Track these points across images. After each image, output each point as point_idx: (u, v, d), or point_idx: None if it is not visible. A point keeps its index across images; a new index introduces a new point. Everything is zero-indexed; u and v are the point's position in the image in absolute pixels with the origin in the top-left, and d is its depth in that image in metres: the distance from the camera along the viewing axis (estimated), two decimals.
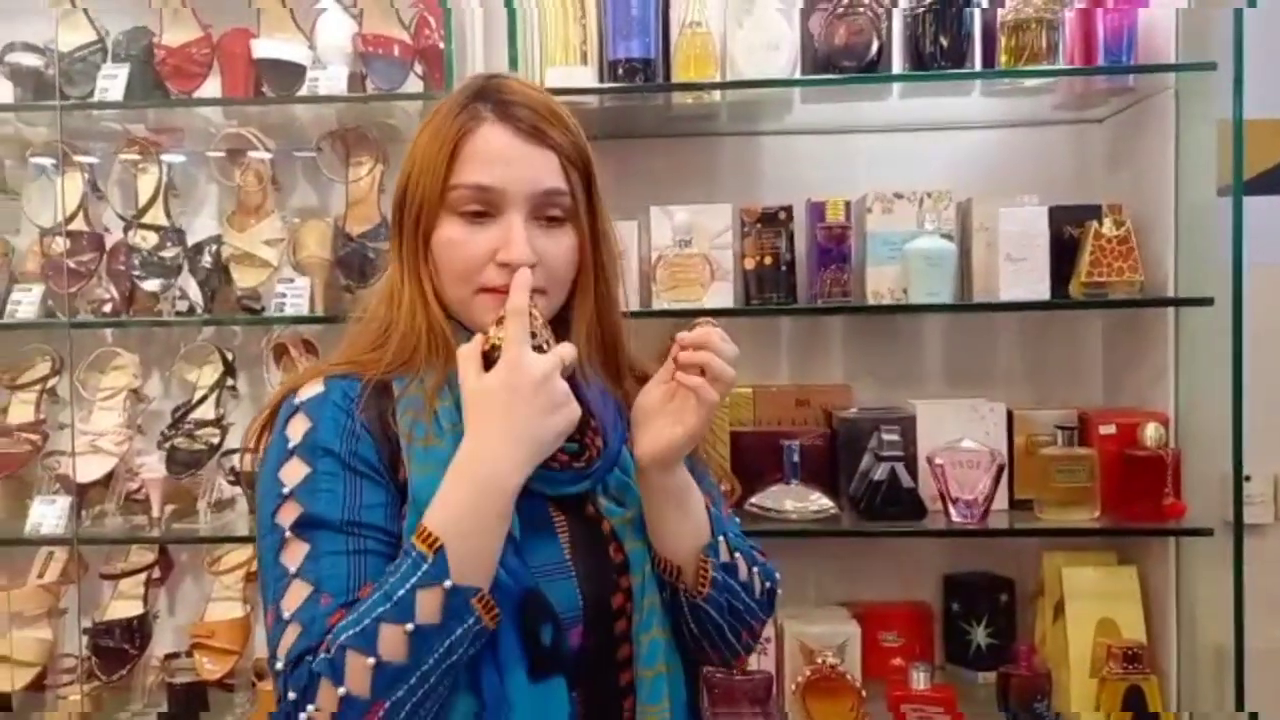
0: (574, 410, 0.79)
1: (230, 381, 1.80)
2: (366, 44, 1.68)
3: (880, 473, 1.62)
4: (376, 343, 0.87)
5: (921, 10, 1.58)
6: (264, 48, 1.69)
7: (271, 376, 1.79)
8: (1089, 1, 1.58)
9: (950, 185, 1.67)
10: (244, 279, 1.73)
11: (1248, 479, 1.64)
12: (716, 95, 1.65)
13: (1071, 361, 1.82)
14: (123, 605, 1.80)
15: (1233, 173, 1.48)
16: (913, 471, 1.63)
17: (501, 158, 0.83)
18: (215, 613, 1.77)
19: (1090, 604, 1.66)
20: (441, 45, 1.63)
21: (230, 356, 1.81)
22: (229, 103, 1.73)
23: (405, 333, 0.85)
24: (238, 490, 1.80)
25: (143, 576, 1.81)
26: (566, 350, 0.80)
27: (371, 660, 0.71)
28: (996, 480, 1.60)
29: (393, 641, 0.71)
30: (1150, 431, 1.56)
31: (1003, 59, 1.57)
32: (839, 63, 1.58)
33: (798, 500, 1.64)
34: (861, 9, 1.57)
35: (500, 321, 0.80)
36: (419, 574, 0.73)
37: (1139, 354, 1.70)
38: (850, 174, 1.78)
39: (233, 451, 1.79)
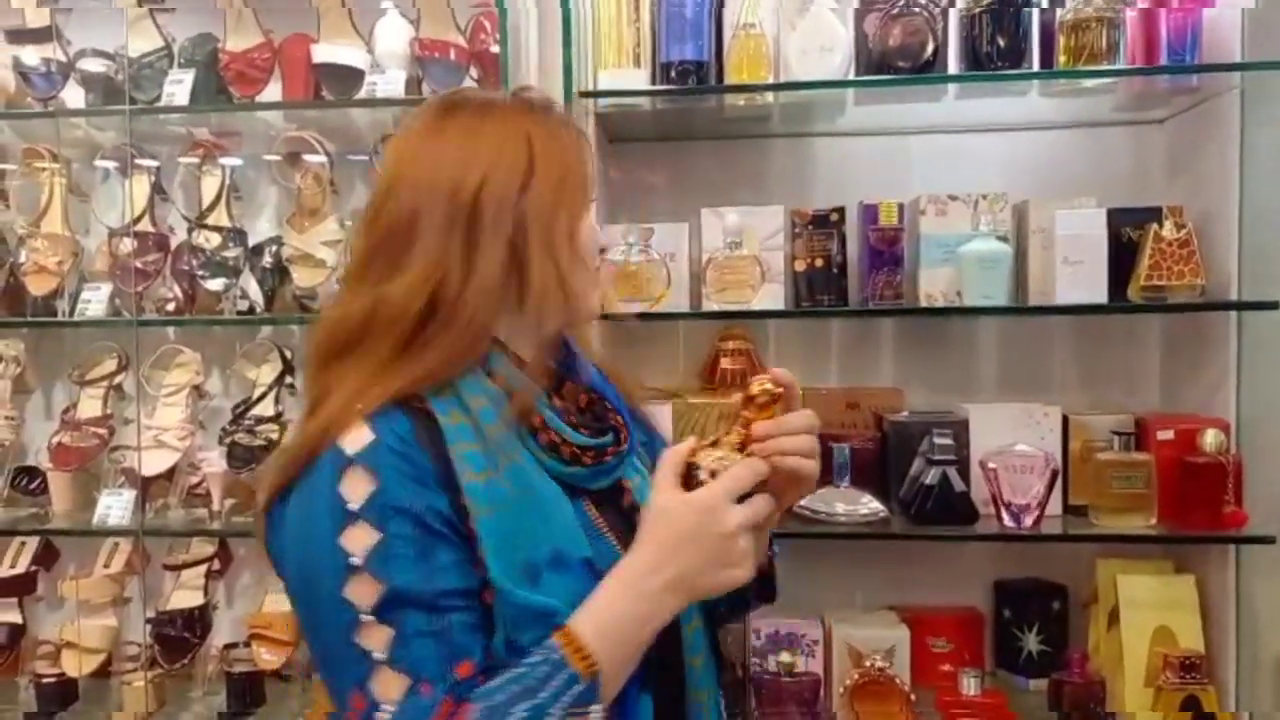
0: (747, 572, 0.77)
1: (289, 379, 1.84)
2: (423, 48, 1.71)
3: (931, 476, 1.61)
4: (408, 346, 0.79)
5: (979, 10, 1.57)
6: (323, 52, 1.73)
7: None
8: (1151, 0, 1.55)
9: (1006, 187, 1.65)
10: (303, 279, 1.77)
11: None
12: (769, 97, 1.65)
13: (1129, 366, 1.79)
14: (184, 595, 1.85)
15: None
16: (965, 476, 1.62)
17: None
18: (272, 605, 1.81)
19: (1146, 612, 1.64)
20: (497, 49, 1.65)
21: (289, 354, 1.85)
22: (290, 106, 1.77)
23: (465, 337, 0.79)
24: None
25: (203, 568, 1.86)
26: (761, 505, 0.78)
27: None
28: (1050, 485, 1.58)
29: None
30: (1210, 438, 1.54)
31: (1061, 59, 1.55)
32: (894, 64, 1.57)
33: (848, 503, 1.64)
34: (917, 9, 1.56)
35: (714, 443, 0.80)
36: (573, 696, 0.72)
37: (1199, 359, 1.67)
38: (903, 176, 1.77)
39: None
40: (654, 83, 1.65)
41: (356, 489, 0.74)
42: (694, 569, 0.76)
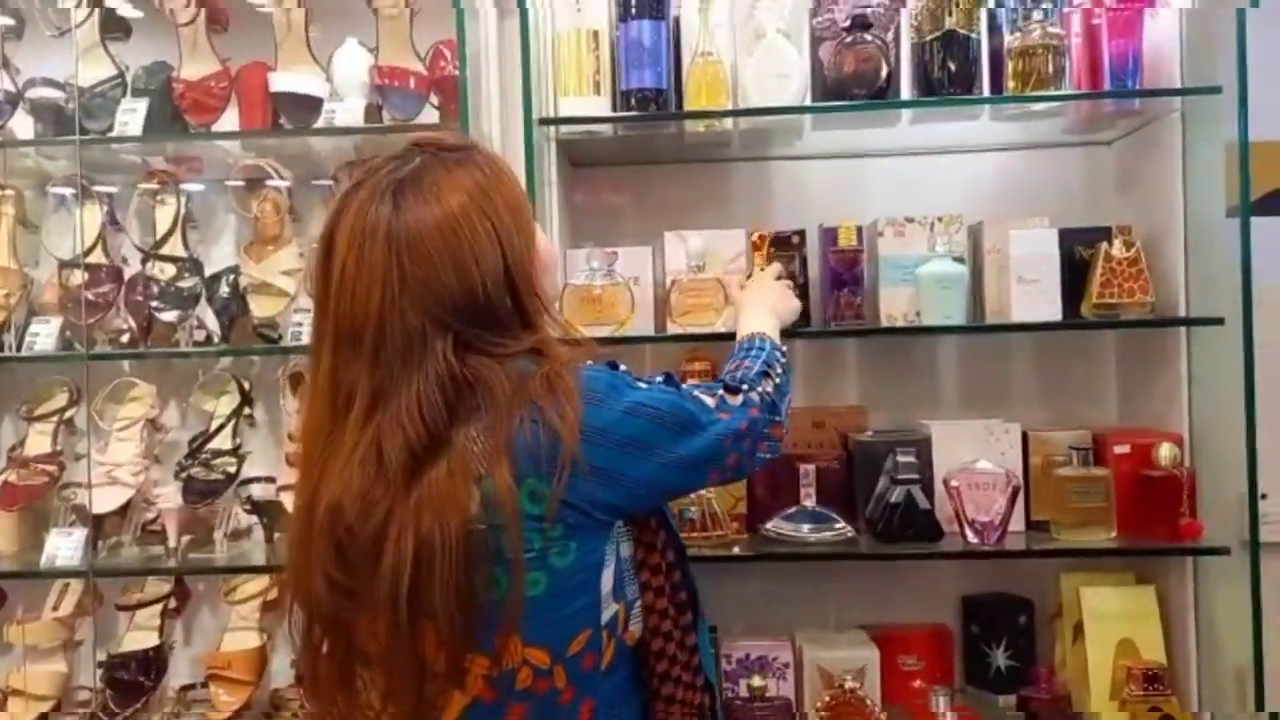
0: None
1: (247, 411, 1.81)
2: (383, 76, 1.70)
3: (896, 495, 1.62)
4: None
5: (930, 38, 1.61)
6: (281, 81, 1.72)
7: (288, 404, 1.80)
8: (1089, 29, 1.60)
9: (961, 209, 1.68)
10: (261, 308, 1.74)
11: (1264, 497, 1.64)
12: (729, 123, 1.68)
13: (1085, 382, 1.83)
14: (138, 637, 1.79)
15: (1240, 194, 1.50)
16: (929, 493, 1.63)
17: None
18: (231, 643, 1.77)
19: (1109, 625, 1.66)
20: (456, 76, 1.66)
21: (247, 385, 1.82)
22: (246, 135, 1.75)
23: None
24: (254, 519, 1.80)
25: (159, 607, 1.81)
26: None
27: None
28: (1012, 501, 1.60)
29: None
30: (1165, 451, 1.57)
31: (1010, 84, 1.59)
32: (849, 90, 1.60)
33: (815, 524, 1.65)
34: (870, 38, 1.60)
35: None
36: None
37: (1152, 374, 1.71)
38: (862, 199, 1.80)
39: (250, 480, 1.80)
40: (615, 109, 1.66)
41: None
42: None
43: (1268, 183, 1.77)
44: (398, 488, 0.81)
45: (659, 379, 0.96)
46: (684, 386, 0.96)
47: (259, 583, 1.78)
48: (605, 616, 0.88)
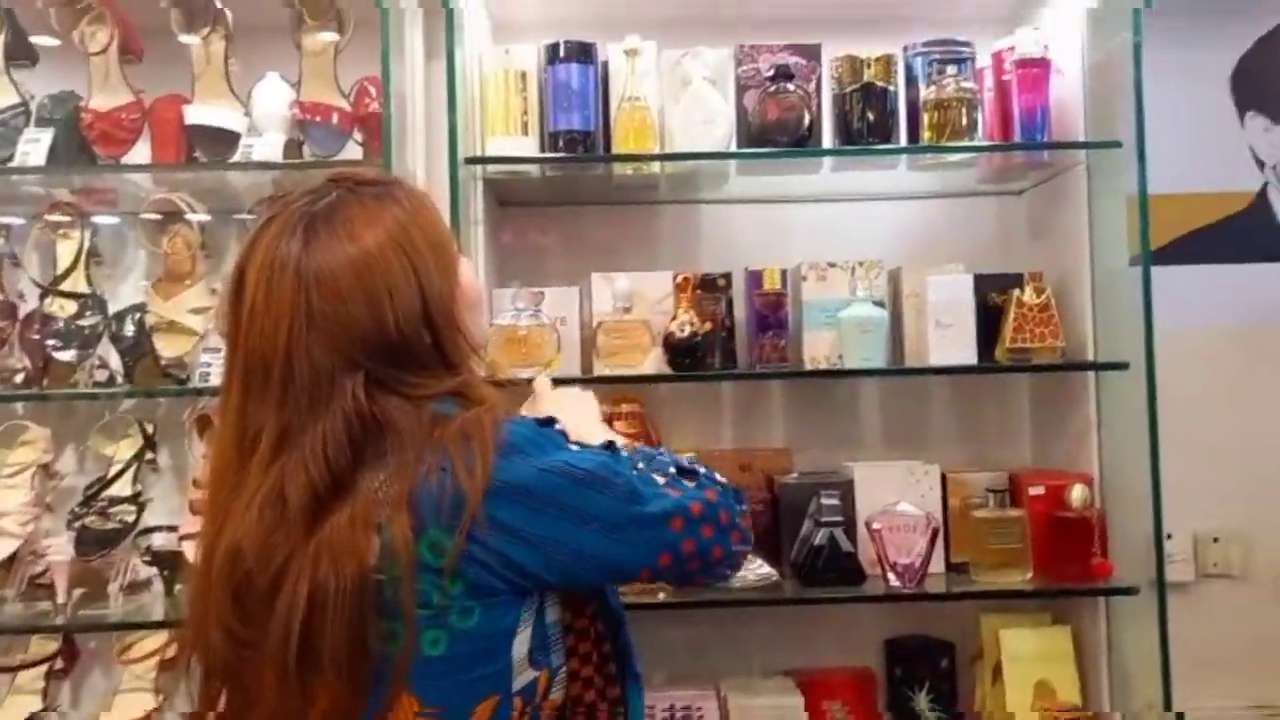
0: None
1: (150, 455, 1.72)
2: (304, 111, 1.67)
3: (820, 538, 1.63)
4: None
5: (849, 89, 1.66)
6: (197, 114, 1.67)
7: (194, 449, 1.72)
8: (1000, 84, 1.67)
9: (881, 254, 1.72)
10: (168, 348, 1.67)
11: (1169, 537, 1.70)
12: (655, 167, 1.69)
13: (1001, 424, 1.87)
14: (20, 701, 1.67)
15: (1141, 244, 1.57)
16: (851, 536, 1.64)
17: None
18: (124, 706, 1.65)
19: (1027, 666, 1.68)
20: (381, 113, 1.63)
21: (151, 429, 1.73)
22: (156, 169, 1.69)
23: None
24: (154, 571, 1.70)
25: (44, 668, 1.68)
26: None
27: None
28: (932, 543, 1.62)
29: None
30: (1076, 493, 1.61)
31: (926, 135, 1.64)
32: (772, 137, 1.63)
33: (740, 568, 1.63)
34: (792, 87, 1.64)
35: None
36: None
37: (1064, 417, 1.76)
38: (786, 243, 1.83)
39: (150, 530, 1.70)
40: (542, 151, 1.66)
41: None
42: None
43: (1167, 233, 1.86)
44: (298, 532, 0.77)
45: (597, 445, 0.87)
46: (628, 455, 0.87)
47: (156, 640, 1.67)
48: (518, 684, 0.82)
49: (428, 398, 0.83)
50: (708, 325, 1.68)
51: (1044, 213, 1.83)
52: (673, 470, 0.87)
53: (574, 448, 0.84)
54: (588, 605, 0.88)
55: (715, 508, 0.84)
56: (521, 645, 0.82)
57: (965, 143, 1.62)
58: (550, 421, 0.87)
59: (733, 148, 1.66)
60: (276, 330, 0.80)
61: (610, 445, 0.87)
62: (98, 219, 1.77)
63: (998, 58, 1.69)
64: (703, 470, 0.89)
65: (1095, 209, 1.68)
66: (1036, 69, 1.64)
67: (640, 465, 0.86)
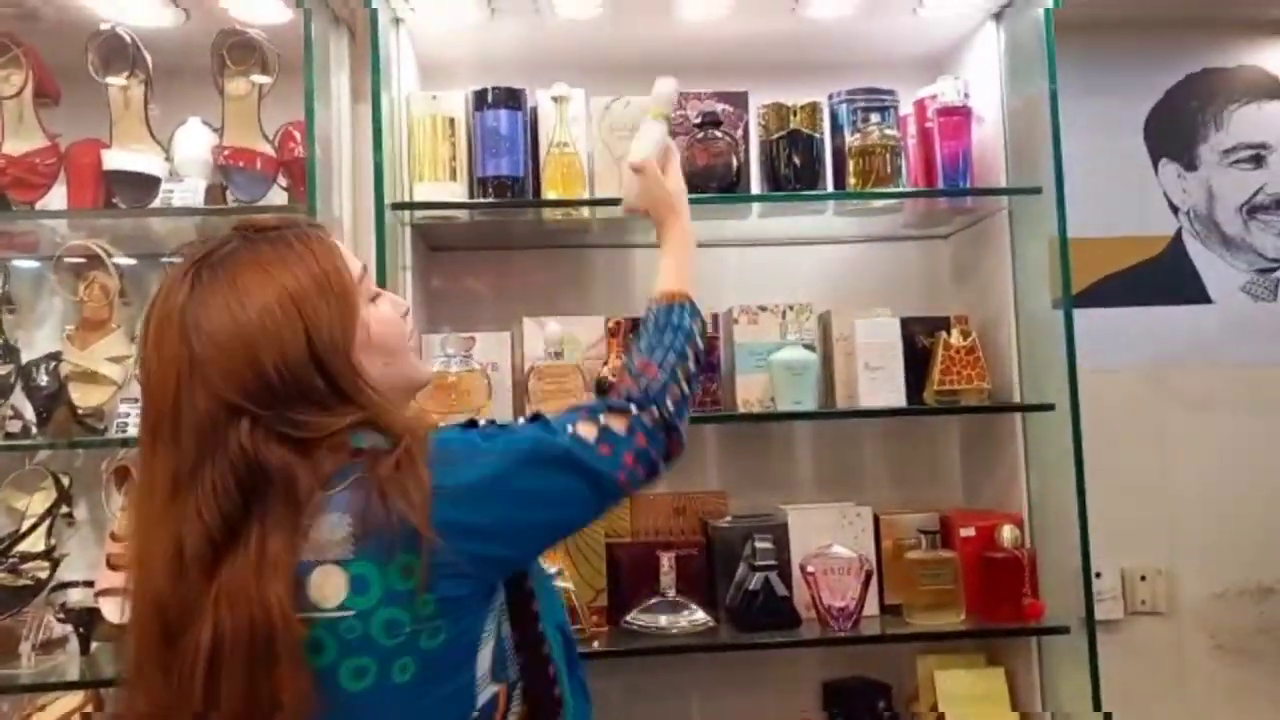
0: None
1: (65, 509, 1.66)
2: (227, 157, 1.64)
3: (755, 582, 1.62)
4: None
5: (776, 136, 1.67)
6: (116, 159, 1.63)
7: (112, 501, 1.66)
8: (923, 131, 1.71)
9: (811, 297, 1.74)
10: (84, 398, 1.62)
11: (1099, 575, 1.73)
12: (586, 212, 1.68)
13: (932, 465, 1.89)
14: None
15: (1062, 287, 1.60)
16: (786, 579, 1.63)
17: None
18: None
19: (964, 707, 1.68)
20: (305, 158, 1.61)
21: (66, 481, 1.68)
22: (73, 215, 1.65)
23: None
24: (69, 629, 1.64)
25: None
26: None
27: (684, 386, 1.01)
28: (866, 586, 1.62)
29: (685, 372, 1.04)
30: (1006, 533, 1.62)
31: (852, 181, 1.67)
32: (701, 183, 1.64)
33: (673, 614, 1.62)
34: (720, 134, 1.65)
35: None
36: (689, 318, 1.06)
37: (992, 457, 1.78)
38: (717, 287, 1.82)
39: (65, 585, 1.64)
40: (471, 196, 1.65)
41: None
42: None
43: (1085, 276, 1.90)
44: (198, 579, 0.78)
45: (523, 420, 0.93)
46: (558, 418, 0.91)
47: (71, 700, 1.60)
48: (482, 699, 0.84)
49: (327, 436, 0.82)
50: None
51: (969, 256, 1.86)
52: (603, 418, 0.91)
53: (501, 437, 0.87)
54: (534, 626, 0.90)
55: (642, 456, 0.92)
56: (486, 658, 0.84)
57: (889, 189, 1.65)
58: (473, 422, 0.91)
59: None
60: (165, 378, 0.82)
61: (537, 416, 0.92)
62: (12, 264, 1.71)
63: (920, 105, 1.73)
64: (634, 407, 0.94)
65: (1018, 253, 1.71)
66: (958, 116, 1.68)
67: (572, 426, 0.90)
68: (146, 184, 1.62)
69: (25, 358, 1.68)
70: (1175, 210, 1.96)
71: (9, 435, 1.64)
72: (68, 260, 1.71)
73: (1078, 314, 1.59)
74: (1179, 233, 1.96)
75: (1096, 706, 1.54)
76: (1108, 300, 1.92)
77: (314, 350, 0.83)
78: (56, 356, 1.66)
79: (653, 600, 1.64)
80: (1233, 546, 1.89)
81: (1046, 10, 1.59)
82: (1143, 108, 1.96)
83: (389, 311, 0.93)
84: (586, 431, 0.89)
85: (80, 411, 1.64)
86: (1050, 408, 1.60)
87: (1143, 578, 1.87)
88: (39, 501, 1.66)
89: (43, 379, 1.64)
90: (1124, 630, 1.86)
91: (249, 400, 0.80)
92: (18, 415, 1.67)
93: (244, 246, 0.86)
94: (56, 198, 1.66)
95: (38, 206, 1.65)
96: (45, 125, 1.66)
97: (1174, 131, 1.96)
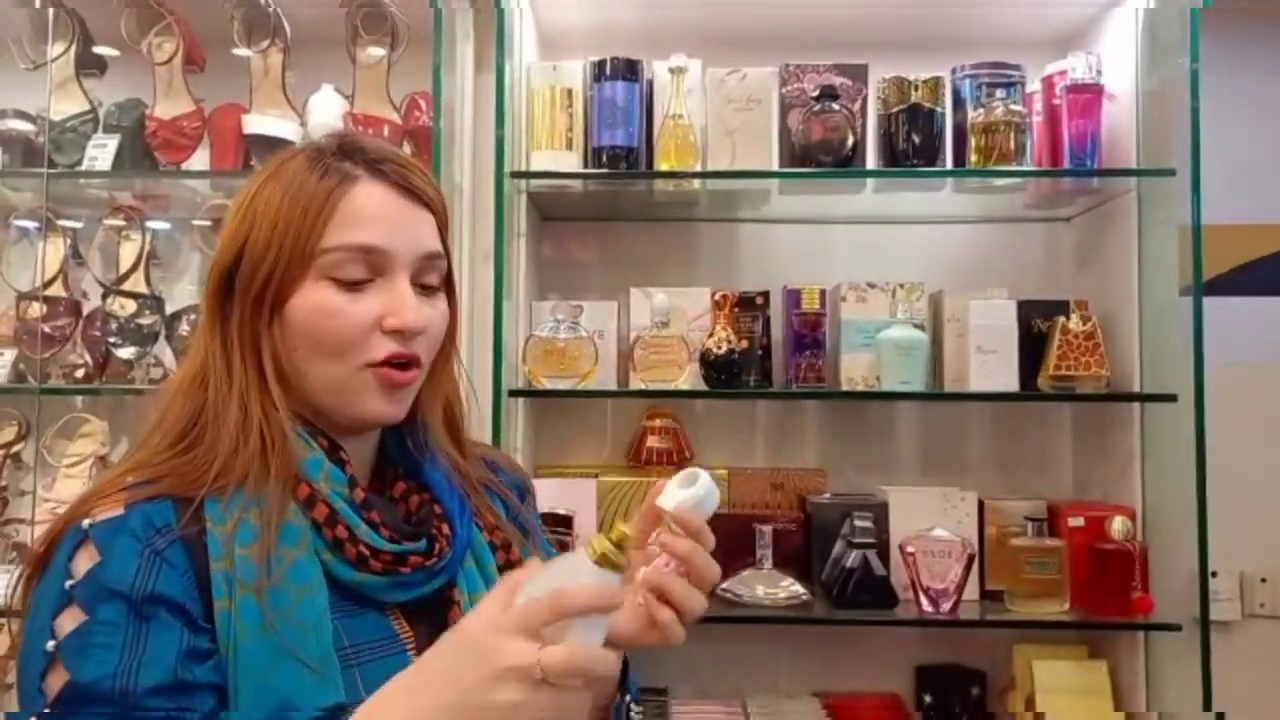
0: None
1: None
2: (356, 122, 1.71)
3: (853, 560, 1.62)
4: (182, 448, 0.73)
5: (895, 110, 1.65)
6: (255, 123, 1.72)
7: None
8: (1050, 109, 1.65)
9: (923, 277, 1.71)
10: None
11: (1214, 575, 1.66)
12: (697, 184, 1.70)
13: (1041, 452, 1.84)
14: None
15: (1193, 275, 1.53)
16: (885, 559, 1.63)
17: (385, 216, 0.75)
18: None
19: (1062, 699, 1.65)
20: (430, 126, 1.67)
21: None
22: (216, 175, 1.75)
23: (233, 431, 0.73)
24: None
25: None
26: (560, 653, 0.58)
27: None
28: (967, 570, 1.60)
29: None
30: (1118, 525, 1.58)
31: (973, 158, 1.63)
32: (815, 157, 1.63)
33: (770, 586, 1.63)
34: (838, 107, 1.63)
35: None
36: None
37: (1106, 447, 1.73)
38: (826, 263, 1.82)
39: None
40: (585, 166, 1.68)
41: (81, 564, 0.67)
42: (447, 701, 0.59)
43: (1219, 264, 1.81)
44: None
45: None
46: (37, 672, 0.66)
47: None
48: None
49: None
50: (744, 343, 1.68)
51: (1092, 240, 1.80)
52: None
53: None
54: None
55: None
56: None
57: (1012, 167, 1.60)
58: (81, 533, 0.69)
59: (775, 167, 1.67)
60: None
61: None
62: (156, 223, 1.83)
63: (1049, 82, 1.67)
64: None
65: (1145, 237, 1.65)
66: (1088, 94, 1.61)
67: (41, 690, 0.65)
68: (283, 148, 1.70)
69: (168, 310, 1.80)
70: None
71: (153, 382, 1.76)
72: (206, 220, 1.81)
73: (1207, 303, 1.53)
74: None
75: (1207, 707, 1.49)
76: (1241, 290, 1.82)
77: (224, 265, 0.76)
78: (195, 309, 1.77)
79: (747, 570, 1.66)
80: None
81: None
82: None
83: (331, 304, 0.74)
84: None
85: None
86: (1173, 399, 1.55)
87: (1263, 580, 1.79)
88: None
89: (184, 330, 1.76)
90: (1239, 633, 1.78)
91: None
92: (159, 363, 1.80)
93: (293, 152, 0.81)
94: (199, 159, 1.77)
95: (183, 167, 1.75)
96: (191, 90, 1.77)
97: None
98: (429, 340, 0.79)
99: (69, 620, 0.65)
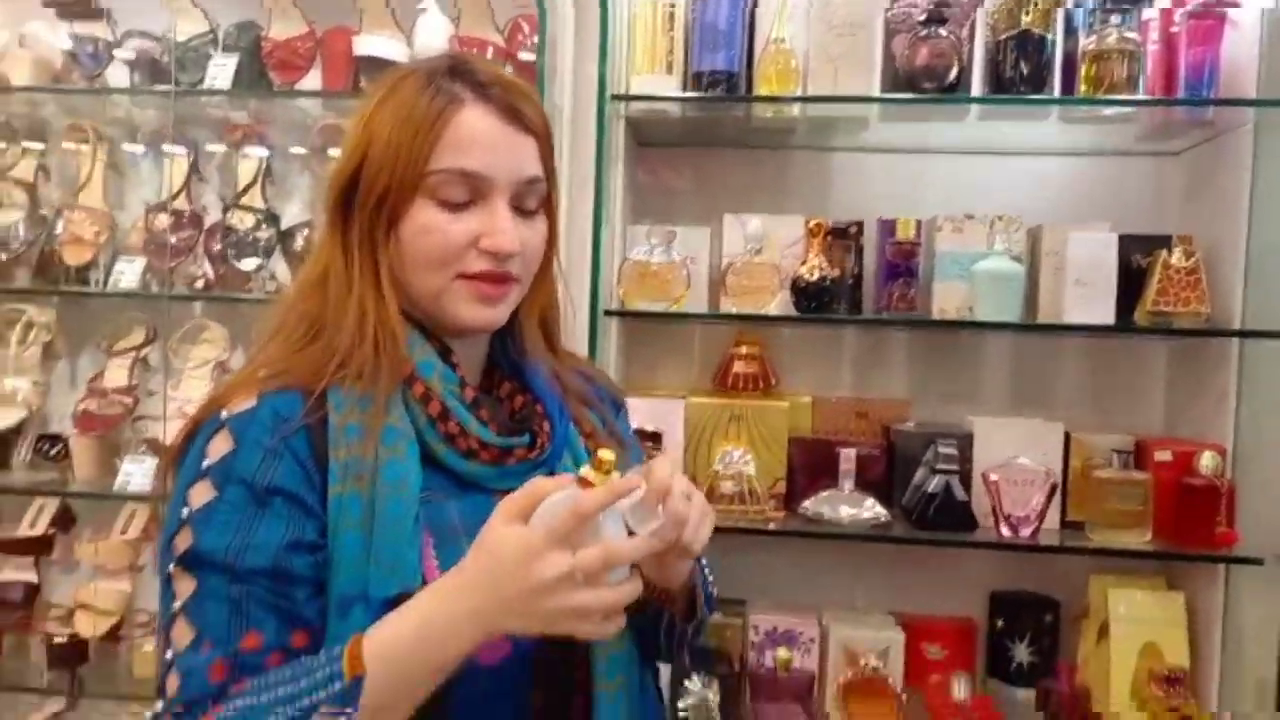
0: (573, 628, 0.70)
1: None
2: (462, 44, 1.76)
3: (934, 485, 1.66)
4: (306, 342, 0.81)
5: (1005, 36, 1.62)
6: (364, 44, 1.78)
7: None
8: (1167, 36, 1.60)
9: (1021, 210, 1.70)
10: None
11: None
12: (795, 110, 1.70)
13: (1133, 388, 1.84)
14: None
15: None
16: (967, 486, 1.66)
17: (488, 142, 0.81)
18: None
19: (1135, 627, 1.68)
20: (533, 53, 1.70)
21: None
22: (330, 95, 1.82)
23: (352, 330, 0.80)
24: None
25: None
26: (592, 557, 0.68)
27: None
28: (1049, 498, 1.63)
29: None
30: (1206, 460, 1.58)
31: (1082, 88, 1.60)
32: (919, 83, 1.62)
33: (851, 506, 1.69)
34: (945, 33, 1.61)
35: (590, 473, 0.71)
36: (329, 692, 0.69)
37: (1201, 384, 1.72)
38: (920, 195, 1.82)
39: None
40: (685, 89, 1.69)
41: (217, 448, 0.77)
42: (494, 608, 0.69)
43: None
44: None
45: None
46: (186, 590, 0.75)
47: None
48: None
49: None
50: (837, 271, 1.71)
51: (1202, 175, 1.75)
52: (186, 644, 0.75)
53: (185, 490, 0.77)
54: None
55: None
56: None
57: (1122, 96, 1.57)
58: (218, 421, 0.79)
59: (877, 93, 1.66)
60: None
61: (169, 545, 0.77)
62: (272, 143, 1.91)
63: (1167, 9, 1.62)
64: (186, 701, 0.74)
65: (1259, 172, 1.60)
66: (1210, 21, 1.56)
67: (179, 610, 0.75)
68: (392, 68, 1.76)
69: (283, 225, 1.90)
70: None
71: (268, 292, 1.87)
72: (318, 140, 1.89)
73: None
74: None
75: None
76: None
77: (343, 179, 0.82)
78: (309, 225, 1.86)
79: (829, 491, 1.72)
80: None
81: None
82: None
83: (435, 222, 0.81)
84: (182, 632, 0.75)
85: None
86: (1275, 335, 1.53)
87: None
88: None
89: (298, 244, 1.85)
90: None
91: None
92: (274, 277, 1.90)
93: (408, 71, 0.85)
94: (312, 80, 1.83)
95: (297, 87, 1.82)
96: (304, 12, 1.82)
97: None
98: (525, 260, 0.85)
99: (201, 494, 0.76)
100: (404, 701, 0.71)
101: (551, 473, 0.84)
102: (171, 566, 0.76)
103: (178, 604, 0.75)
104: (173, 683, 0.74)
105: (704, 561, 0.95)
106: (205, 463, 0.76)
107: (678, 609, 0.87)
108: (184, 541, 0.75)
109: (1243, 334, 1.60)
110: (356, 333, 0.80)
